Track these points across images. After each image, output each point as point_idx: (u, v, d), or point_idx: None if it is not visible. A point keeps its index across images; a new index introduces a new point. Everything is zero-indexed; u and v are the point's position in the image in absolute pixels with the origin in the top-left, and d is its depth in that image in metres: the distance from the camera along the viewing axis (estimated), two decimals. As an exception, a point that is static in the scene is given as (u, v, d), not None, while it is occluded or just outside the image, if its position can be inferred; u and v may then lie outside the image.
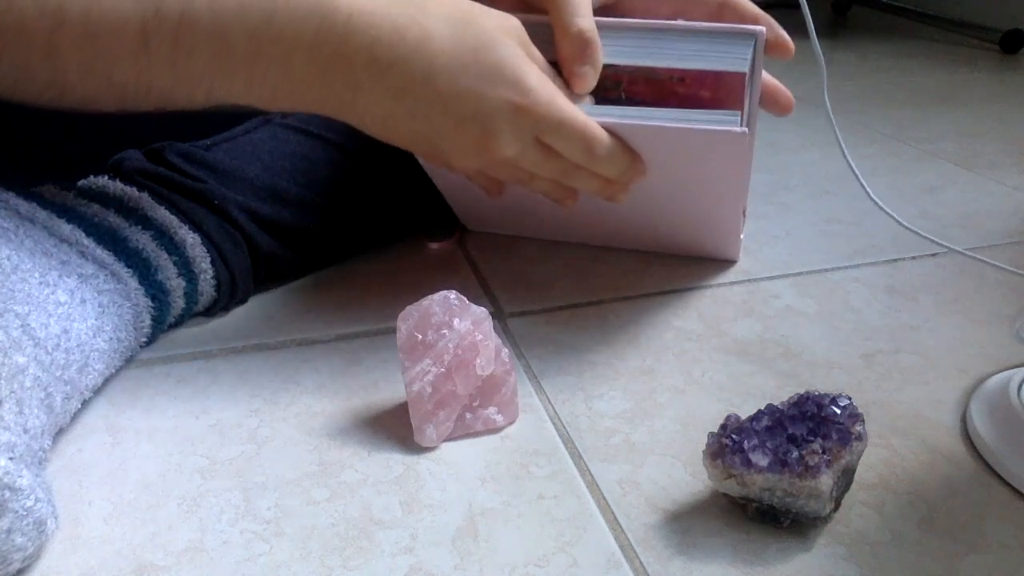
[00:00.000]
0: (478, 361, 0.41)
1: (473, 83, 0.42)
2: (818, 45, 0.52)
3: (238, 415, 0.44)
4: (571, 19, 0.46)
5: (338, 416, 0.44)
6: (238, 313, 0.54)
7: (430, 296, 0.42)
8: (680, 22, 0.48)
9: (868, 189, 0.54)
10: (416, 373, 0.41)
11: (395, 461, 0.41)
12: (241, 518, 0.37)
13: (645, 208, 0.55)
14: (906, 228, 0.53)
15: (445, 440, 0.42)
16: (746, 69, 0.46)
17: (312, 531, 0.37)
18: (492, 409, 0.43)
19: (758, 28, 0.47)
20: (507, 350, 0.43)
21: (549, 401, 0.46)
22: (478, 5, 0.45)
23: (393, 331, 0.42)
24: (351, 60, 0.41)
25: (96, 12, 0.39)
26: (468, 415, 0.42)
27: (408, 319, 0.41)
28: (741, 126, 0.45)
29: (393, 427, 0.43)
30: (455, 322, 0.41)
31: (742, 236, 0.62)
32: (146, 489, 0.39)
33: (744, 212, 0.62)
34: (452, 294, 0.42)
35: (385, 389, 0.46)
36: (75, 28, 0.39)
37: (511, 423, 0.43)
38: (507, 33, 0.44)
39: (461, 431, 0.42)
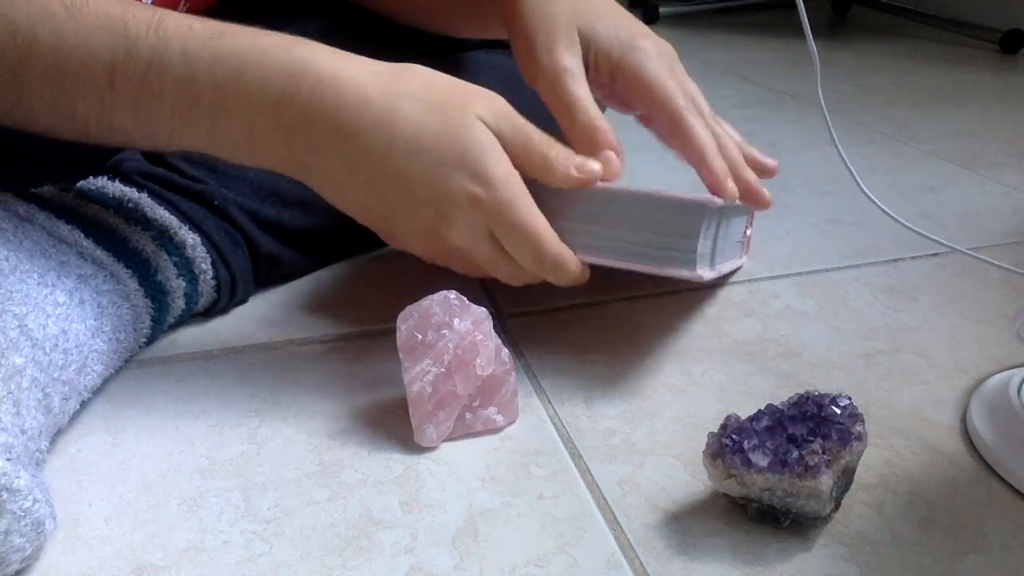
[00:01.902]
0: (478, 361, 0.41)
1: (432, 167, 0.42)
2: (813, 43, 0.52)
3: (238, 415, 0.44)
4: (574, 116, 0.46)
5: (338, 416, 0.44)
6: (238, 313, 0.54)
7: (430, 296, 0.42)
8: (636, 189, 0.46)
9: (863, 185, 0.53)
10: (416, 373, 0.41)
11: (395, 461, 0.41)
12: (241, 518, 0.37)
13: None
14: (904, 226, 0.53)
15: (445, 440, 0.42)
16: (698, 270, 0.45)
17: (312, 531, 0.37)
18: (492, 409, 0.43)
19: (711, 203, 0.45)
20: (507, 350, 0.43)
21: (549, 401, 0.46)
22: (460, 86, 0.44)
23: (393, 331, 0.42)
24: (313, 124, 0.42)
25: (66, 46, 0.40)
26: (468, 415, 0.42)
27: (408, 319, 0.41)
28: (696, 269, 0.45)
29: (393, 427, 0.43)
30: (455, 322, 0.41)
31: (750, 232, 0.62)
32: (146, 489, 0.39)
33: (752, 213, 0.61)
34: (452, 294, 0.42)
35: (385, 389, 0.46)
36: (44, 58, 0.40)
37: (511, 423, 0.43)
38: (483, 118, 0.43)
39: (461, 431, 0.42)
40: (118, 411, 0.44)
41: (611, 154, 0.46)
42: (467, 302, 0.42)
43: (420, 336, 0.41)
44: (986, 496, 0.39)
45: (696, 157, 0.48)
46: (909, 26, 1.63)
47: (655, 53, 0.49)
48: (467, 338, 0.41)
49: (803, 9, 0.51)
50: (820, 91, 0.54)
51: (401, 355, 0.41)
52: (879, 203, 0.53)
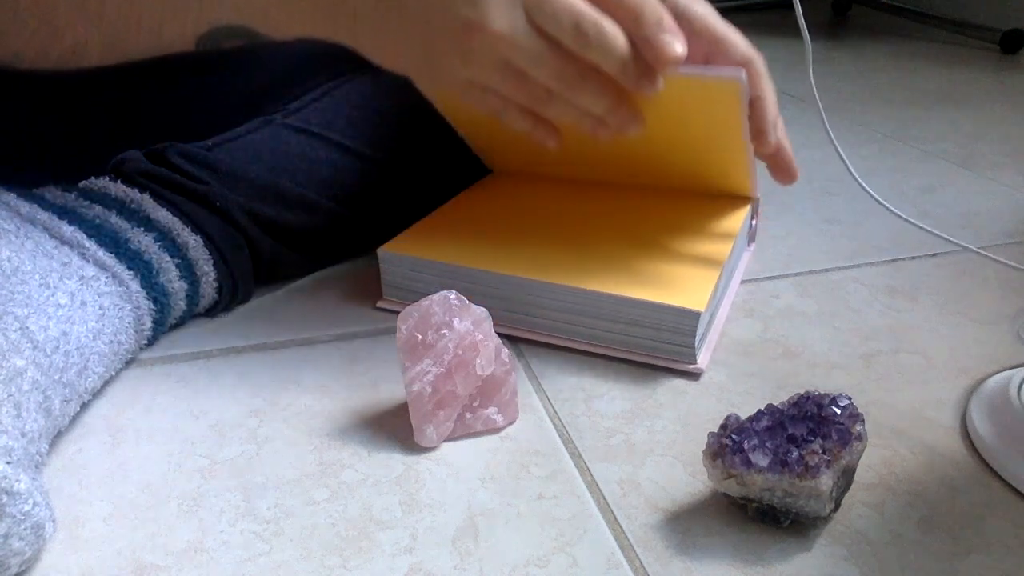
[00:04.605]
0: (478, 361, 0.41)
1: None
2: (808, 37, 0.52)
3: (238, 415, 0.44)
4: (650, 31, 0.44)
5: (338, 416, 0.44)
6: (238, 313, 0.54)
7: (430, 296, 0.42)
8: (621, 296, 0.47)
9: (863, 183, 0.54)
10: (416, 373, 0.41)
11: (395, 461, 0.41)
12: (241, 518, 0.37)
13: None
14: (910, 223, 0.53)
15: (445, 440, 0.42)
16: (699, 362, 0.47)
17: (312, 531, 0.37)
18: (492, 409, 0.43)
19: (694, 312, 0.46)
20: (507, 350, 0.43)
21: (549, 401, 0.46)
22: None
23: (393, 331, 0.42)
24: None
25: None
26: (468, 415, 0.42)
27: (408, 319, 0.41)
28: (696, 362, 0.47)
29: (393, 427, 0.43)
30: (455, 322, 0.41)
31: (755, 222, 0.62)
32: (146, 489, 0.39)
33: (757, 205, 0.62)
34: (452, 294, 0.42)
35: (385, 389, 0.46)
36: None
37: (511, 423, 0.43)
38: None
39: (461, 431, 0.42)
40: (118, 411, 0.44)
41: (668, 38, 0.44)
42: (467, 302, 0.42)
43: (420, 336, 0.41)
44: (986, 496, 0.39)
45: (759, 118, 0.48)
46: (909, 26, 1.63)
47: None
48: (467, 338, 0.41)
49: (802, 17, 0.51)
50: (813, 83, 0.54)
51: (401, 355, 0.41)
52: (879, 198, 0.53)
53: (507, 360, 0.43)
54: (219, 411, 0.44)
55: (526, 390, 0.46)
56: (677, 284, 0.48)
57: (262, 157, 0.55)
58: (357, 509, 0.38)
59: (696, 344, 0.47)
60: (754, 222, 0.62)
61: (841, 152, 0.54)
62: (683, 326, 0.46)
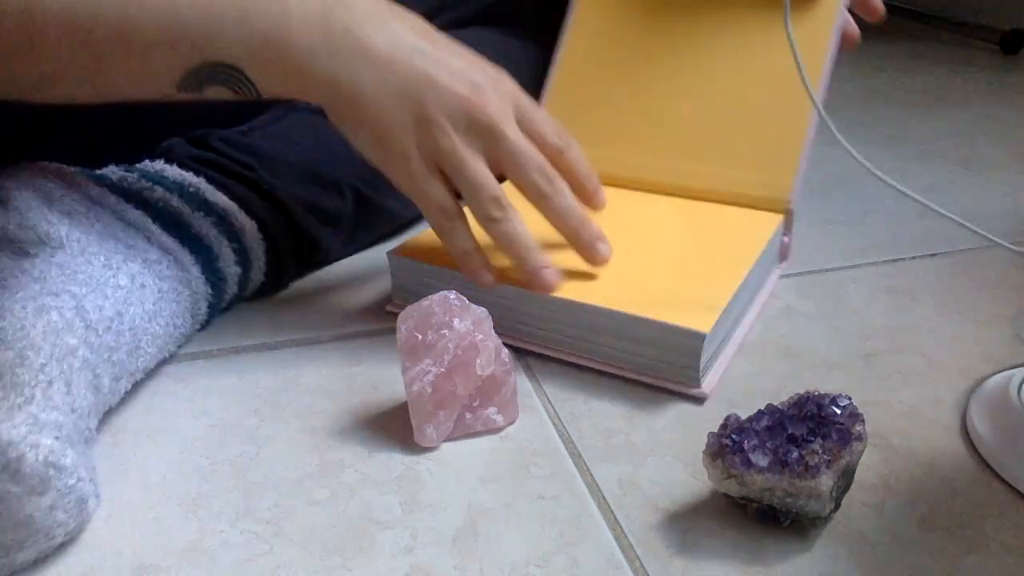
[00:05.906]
0: (478, 361, 0.41)
1: (468, 57, 0.47)
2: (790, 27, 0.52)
3: (238, 415, 0.44)
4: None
5: (338, 416, 0.44)
6: (239, 313, 0.54)
7: (430, 296, 0.42)
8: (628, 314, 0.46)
9: (883, 176, 0.53)
10: (416, 373, 0.41)
11: (395, 461, 0.41)
12: (241, 518, 0.37)
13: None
14: (968, 227, 0.52)
15: (445, 440, 0.42)
16: (703, 387, 0.45)
17: (312, 531, 0.37)
18: (492, 409, 0.43)
19: (699, 333, 0.44)
20: (507, 350, 0.43)
21: (549, 401, 0.46)
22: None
23: (393, 331, 0.42)
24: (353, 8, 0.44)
25: None
26: (468, 415, 0.42)
27: (408, 319, 0.41)
28: (700, 386, 0.45)
29: (393, 427, 0.43)
30: (455, 322, 0.41)
31: (787, 239, 0.59)
32: (146, 489, 0.39)
33: (790, 220, 0.59)
34: (452, 294, 0.42)
35: (385, 389, 0.46)
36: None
37: (511, 423, 0.43)
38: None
39: (461, 431, 0.42)
40: (118, 411, 0.44)
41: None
42: (467, 302, 0.42)
43: (420, 336, 0.41)
44: (986, 496, 0.39)
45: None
46: (909, 26, 1.63)
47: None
48: (467, 338, 0.41)
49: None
50: (803, 70, 0.54)
51: (401, 355, 0.41)
52: (907, 191, 0.52)
53: (507, 360, 0.43)
54: (219, 411, 0.44)
55: (526, 390, 0.46)
56: (686, 304, 0.46)
57: (297, 141, 0.56)
58: (357, 509, 0.38)
59: (702, 367, 0.45)
60: (786, 239, 0.59)
61: (851, 149, 0.54)
62: (687, 348, 0.44)
